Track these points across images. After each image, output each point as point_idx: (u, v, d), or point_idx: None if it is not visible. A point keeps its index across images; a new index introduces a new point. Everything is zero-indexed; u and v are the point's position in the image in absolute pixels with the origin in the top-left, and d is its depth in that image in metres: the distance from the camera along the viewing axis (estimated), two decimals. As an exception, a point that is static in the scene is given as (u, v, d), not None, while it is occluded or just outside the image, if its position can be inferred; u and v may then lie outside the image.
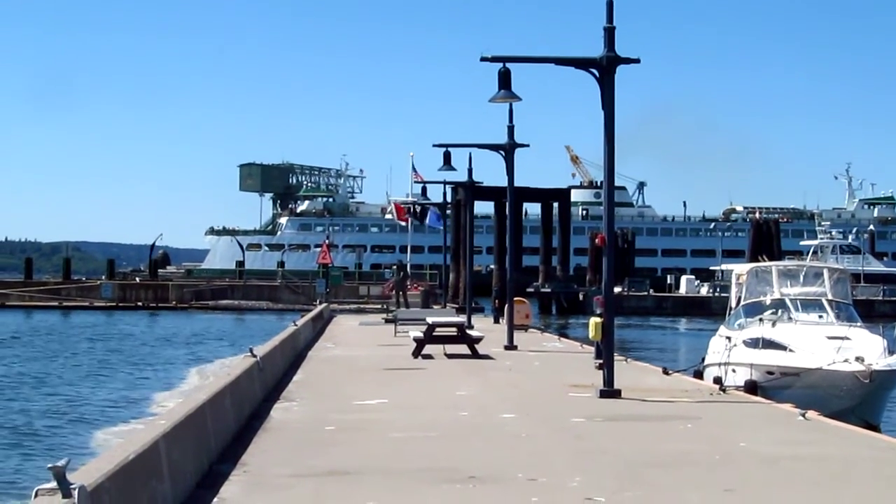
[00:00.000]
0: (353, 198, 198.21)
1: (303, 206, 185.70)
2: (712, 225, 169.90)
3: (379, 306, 73.05)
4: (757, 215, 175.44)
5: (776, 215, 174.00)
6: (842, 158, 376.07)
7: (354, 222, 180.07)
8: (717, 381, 25.70)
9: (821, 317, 28.04)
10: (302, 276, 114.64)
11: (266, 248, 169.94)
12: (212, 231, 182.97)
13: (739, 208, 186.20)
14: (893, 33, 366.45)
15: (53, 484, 7.49)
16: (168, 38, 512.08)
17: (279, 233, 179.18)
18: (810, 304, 28.67)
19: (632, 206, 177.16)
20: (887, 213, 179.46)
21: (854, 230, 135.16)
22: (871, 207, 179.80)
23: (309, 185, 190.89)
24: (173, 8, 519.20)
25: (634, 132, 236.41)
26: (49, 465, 7.56)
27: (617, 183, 22.39)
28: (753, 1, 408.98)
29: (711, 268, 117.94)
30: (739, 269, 32.22)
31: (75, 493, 7.52)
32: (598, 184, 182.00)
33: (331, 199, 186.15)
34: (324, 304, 63.63)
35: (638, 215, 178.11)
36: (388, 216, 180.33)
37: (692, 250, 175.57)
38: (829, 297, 28.88)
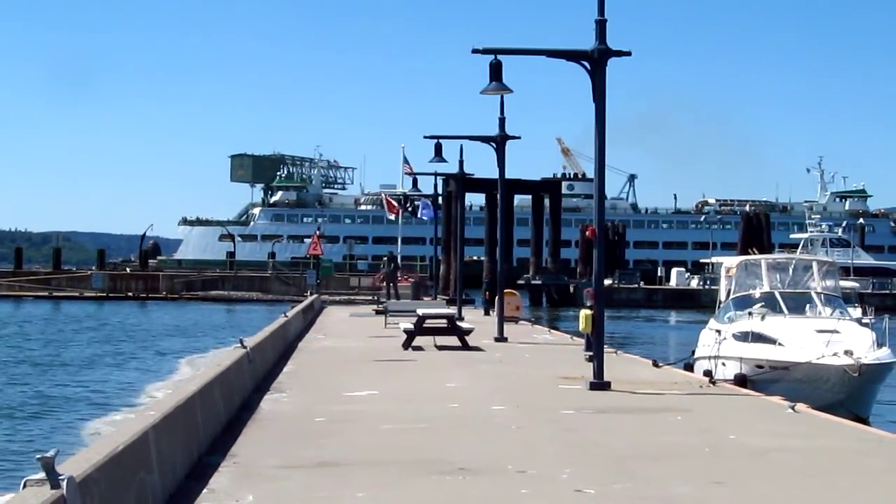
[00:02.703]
0: (344, 189, 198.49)
1: (276, 197, 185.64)
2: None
3: (369, 298, 73.09)
4: (729, 208, 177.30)
5: (749, 208, 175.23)
6: (814, 151, 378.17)
7: (328, 213, 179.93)
8: (707, 373, 25.79)
9: (810, 310, 28.06)
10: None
11: (239, 239, 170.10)
12: (184, 221, 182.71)
13: (712, 201, 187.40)
14: (866, 26, 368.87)
15: (42, 475, 7.48)
16: (158, 31, 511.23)
17: (252, 223, 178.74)
18: (799, 298, 28.71)
19: (605, 197, 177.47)
20: (859, 205, 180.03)
21: (844, 223, 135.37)
22: (843, 200, 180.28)
23: (282, 175, 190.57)
24: (165, 2, 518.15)
25: (625, 124, 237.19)
26: (38, 456, 7.55)
27: (607, 175, 22.37)
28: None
29: (703, 260, 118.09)
30: (729, 263, 32.26)
31: (64, 483, 7.51)
32: (573, 175, 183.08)
33: (304, 190, 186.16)
34: (314, 296, 63.60)
35: (611, 207, 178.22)
36: (363, 207, 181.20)
37: (664, 242, 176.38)
38: (819, 290, 28.94)
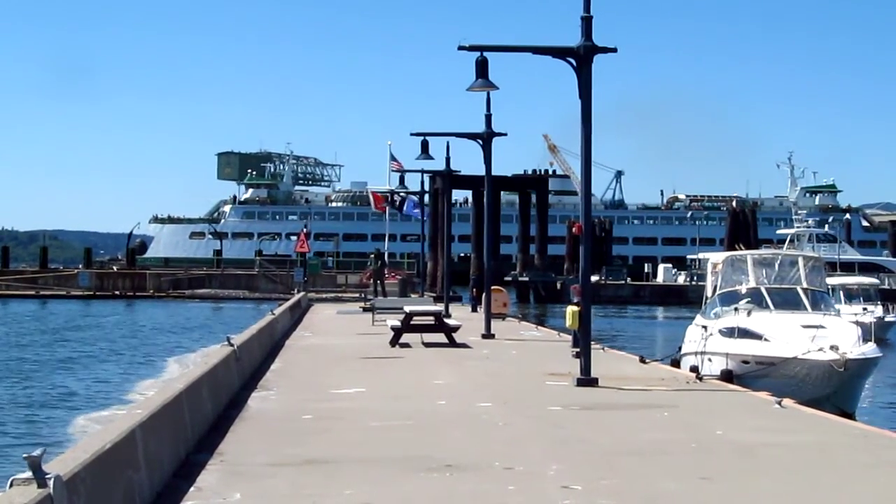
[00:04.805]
0: (330, 186, 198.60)
1: (246, 195, 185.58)
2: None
3: (356, 295, 73.05)
4: (699, 204, 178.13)
5: (720, 204, 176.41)
6: (783, 147, 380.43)
7: (298, 210, 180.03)
8: (694, 369, 25.79)
9: (796, 305, 28.07)
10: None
11: (210, 237, 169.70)
12: (155, 219, 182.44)
13: (682, 196, 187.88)
14: (834, 21, 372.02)
15: (29, 474, 7.47)
16: (145, 30, 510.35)
17: (223, 221, 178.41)
18: (785, 293, 28.72)
19: (575, 194, 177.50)
20: (829, 200, 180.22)
21: (831, 218, 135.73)
22: (813, 196, 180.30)
23: (253, 173, 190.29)
24: (156, 2, 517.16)
25: (613, 120, 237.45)
26: (24, 455, 7.54)
27: (594, 171, 22.37)
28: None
29: (689, 256, 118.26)
30: (715, 258, 32.29)
31: (51, 482, 7.50)
32: (553, 172, 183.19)
33: (275, 188, 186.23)
34: (301, 293, 63.55)
35: None
36: (333, 203, 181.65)
37: (634, 238, 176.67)
38: (804, 285, 28.96)
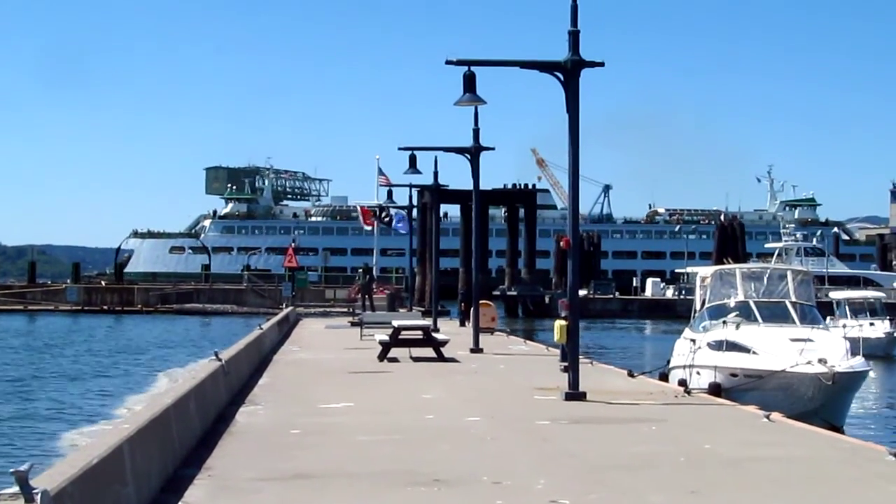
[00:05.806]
0: (319, 200, 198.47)
1: (226, 209, 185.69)
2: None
3: (345, 310, 73.02)
4: (678, 217, 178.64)
5: (699, 218, 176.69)
6: (762, 161, 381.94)
7: (278, 225, 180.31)
8: (682, 383, 25.82)
9: (784, 319, 28.08)
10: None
11: (190, 251, 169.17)
12: (135, 234, 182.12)
13: (662, 210, 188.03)
14: (813, 32, 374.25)
15: (16, 489, 7.46)
16: (133, 44, 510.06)
17: (203, 235, 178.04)
18: (774, 307, 28.74)
19: (555, 208, 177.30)
20: (808, 214, 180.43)
21: (819, 232, 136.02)
22: (793, 209, 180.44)
23: (233, 188, 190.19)
24: (140, 16, 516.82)
25: (601, 134, 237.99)
26: (12, 470, 7.53)
27: (582, 185, 22.38)
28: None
29: (678, 270, 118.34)
30: (704, 272, 32.32)
31: (38, 497, 7.49)
32: (524, 185, 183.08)
33: (255, 202, 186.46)
34: (290, 308, 63.50)
35: (561, 217, 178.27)
36: (313, 218, 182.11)
37: (614, 252, 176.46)
38: (793, 299, 28.98)
